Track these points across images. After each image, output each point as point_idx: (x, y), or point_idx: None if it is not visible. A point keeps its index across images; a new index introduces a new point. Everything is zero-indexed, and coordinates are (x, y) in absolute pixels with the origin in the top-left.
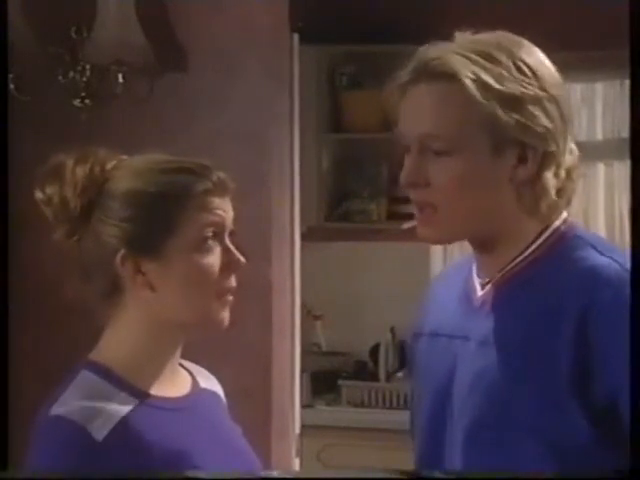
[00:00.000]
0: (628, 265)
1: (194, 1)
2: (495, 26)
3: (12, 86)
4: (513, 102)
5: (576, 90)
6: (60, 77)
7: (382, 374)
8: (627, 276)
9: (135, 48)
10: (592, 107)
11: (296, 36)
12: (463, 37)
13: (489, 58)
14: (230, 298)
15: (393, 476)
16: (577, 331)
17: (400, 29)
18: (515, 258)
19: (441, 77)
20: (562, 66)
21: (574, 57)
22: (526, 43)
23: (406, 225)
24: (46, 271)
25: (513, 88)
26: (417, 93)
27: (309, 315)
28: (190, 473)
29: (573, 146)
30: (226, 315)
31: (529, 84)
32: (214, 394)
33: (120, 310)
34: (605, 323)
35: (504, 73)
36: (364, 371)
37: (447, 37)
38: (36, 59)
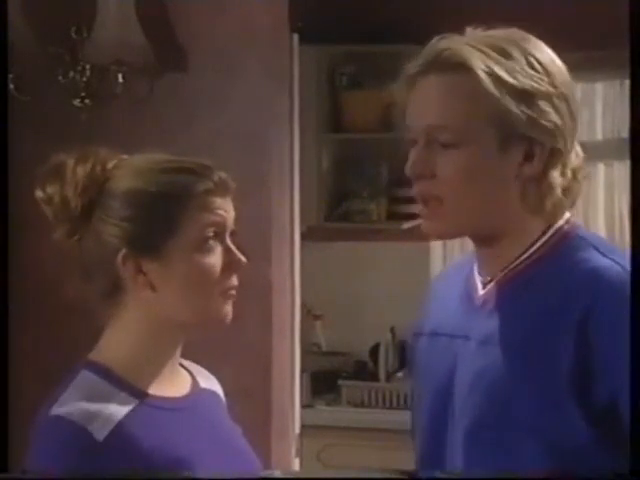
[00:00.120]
0: (629, 267)
1: (194, 1)
2: (495, 26)
3: (12, 86)
4: (524, 96)
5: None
6: (60, 77)
7: (382, 374)
8: (628, 278)
9: (135, 48)
10: (592, 107)
11: (296, 36)
12: (474, 32)
13: (501, 52)
14: (232, 293)
15: (393, 476)
16: (578, 332)
17: (400, 29)
18: (518, 257)
19: (452, 68)
20: None
21: (574, 57)
22: (536, 40)
23: (406, 225)
24: (46, 271)
25: (525, 82)
26: (426, 85)
27: (309, 315)
28: (190, 473)
29: (578, 147)
30: (229, 311)
31: (540, 80)
32: (214, 394)
33: (120, 310)
34: (606, 325)
35: (516, 67)
36: (364, 371)
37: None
38: (36, 59)
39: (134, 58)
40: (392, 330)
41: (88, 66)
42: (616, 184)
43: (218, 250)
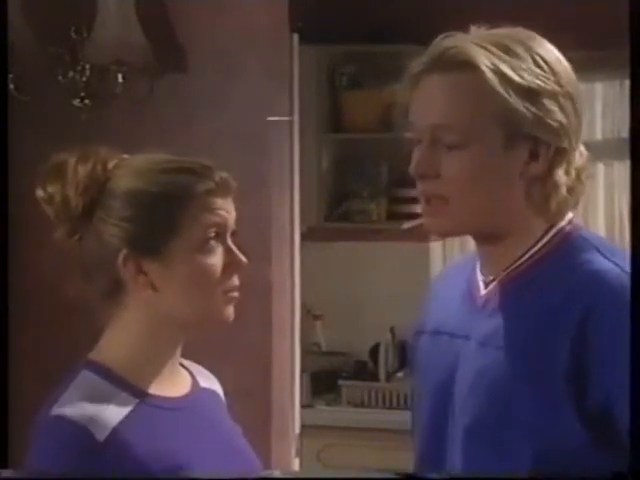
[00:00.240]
0: (629, 269)
1: (194, 1)
2: (495, 26)
3: (12, 86)
4: (530, 95)
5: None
6: (60, 77)
7: (382, 374)
8: (629, 281)
9: (135, 48)
10: (592, 107)
11: (296, 36)
12: (478, 31)
13: (507, 50)
14: (235, 294)
15: (393, 476)
16: (577, 332)
17: (400, 29)
18: (521, 256)
19: (457, 67)
20: None
21: (574, 57)
22: (541, 39)
23: (406, 225)
24: (46, 271)
25: (531, 81)
26: (430, 83)
27: (309, 315)
28: (190, 473)
29: (582, 147)
30: (231, 311)
31: (546, 78)
32: (214, 394)
33: (121, 310)
34: (605, 327)
35: (522, 65)
36: (364, 371)
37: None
38: (36, 59)
39: (134, 58)
40: (392, 330)
41: (88, 66)
42: (616, 184)
43: (219, 251)
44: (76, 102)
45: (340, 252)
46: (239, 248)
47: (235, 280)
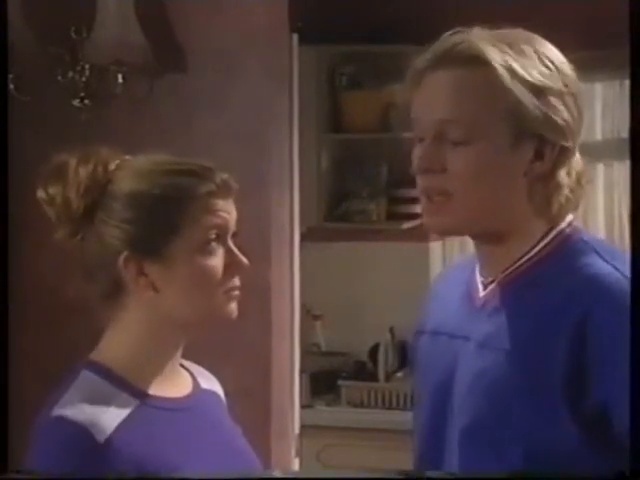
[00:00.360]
0: (629, 273)
1: (194, 1)
2: (495, 26)
3: (12, 86)
4: (538, 93)
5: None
6: (60, 77)
7: (381, 374)
8: (628, 286)
9: (135, 48)
10: (591, 107)
11: (295, 36)
12: (482, 31)
13: (515, 48)
14: (236, 294)
15: (393, 476)
16: (575, 334)
17: (400, 29)
18: (520, 258)
19: (465, 62)
20: None
21: (574, 57)
22: (542, 39)
23: (406, 225)
24: (46, 272)
25: (539, 79)
26: (435, 80)
27: (309, 315)
28: (190, 473)
29: (578, 154)
30: (234, 307)
31: (552, 77)
32: (214, 394)
33: (121, 310)
34: (603, 330)
35: (530, 64)
36: (364, 371)
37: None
38: (36, 59)
39: (134, 58)
40: (391, 330)
41: (88, 66)
42: (616, 184)
43: (220, 252)
44: (76, 102)
45: (340, 252)
46: (240, 249)
47: (236, 281)
